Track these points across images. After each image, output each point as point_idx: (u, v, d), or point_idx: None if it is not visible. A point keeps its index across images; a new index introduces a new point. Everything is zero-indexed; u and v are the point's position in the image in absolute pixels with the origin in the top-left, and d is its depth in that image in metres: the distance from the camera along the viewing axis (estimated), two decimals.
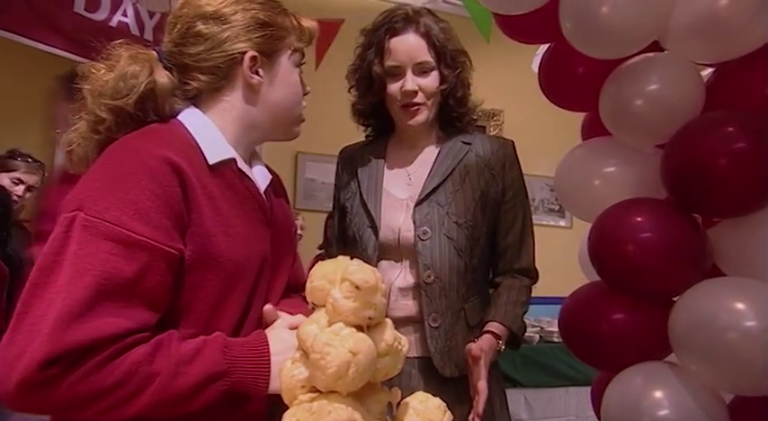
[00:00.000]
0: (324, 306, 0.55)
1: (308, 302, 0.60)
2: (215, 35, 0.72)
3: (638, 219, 0.98)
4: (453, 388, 1.02)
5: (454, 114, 1.15)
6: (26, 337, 0.55)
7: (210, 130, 0.72)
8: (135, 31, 2.43)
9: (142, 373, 0.59)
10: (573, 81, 1.16)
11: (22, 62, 2.36)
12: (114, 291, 0.58)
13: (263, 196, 0.77)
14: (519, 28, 1.19)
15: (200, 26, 0.72)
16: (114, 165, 0.62)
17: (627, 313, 1.02)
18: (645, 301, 1.01)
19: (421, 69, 1.08)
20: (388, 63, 1.09)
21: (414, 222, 1.07)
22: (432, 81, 1.09)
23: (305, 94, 0.82)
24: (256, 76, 0.74)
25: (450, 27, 1.14)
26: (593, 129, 1.21)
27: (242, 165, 0.74)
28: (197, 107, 0.74)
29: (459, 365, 1.04)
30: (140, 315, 0.60)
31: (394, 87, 1.09)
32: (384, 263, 1.09)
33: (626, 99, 1.02)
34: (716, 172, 0.90)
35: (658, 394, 0.93)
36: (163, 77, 0.71)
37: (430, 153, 1.15)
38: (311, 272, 0.58)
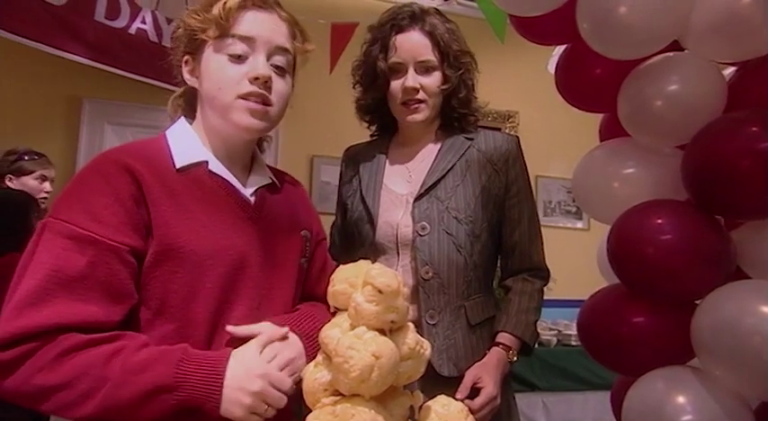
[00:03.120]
0: (346, 309, 0.55)
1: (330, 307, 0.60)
2: (174, 51, 0.83)
3: (659, 220, 0.96)
4: (453, 391, 0.98)
5: (455, 115, 1.14)
6: None
7: (186, 138, 0.78)
8: (153, 37, 2.47)
9: (93, 376, 0.61)
10: (590, 82, 1.15)
11: (45, 70, 2.41)
12: (66, 282, 0.63)
13: (243, 194, 0.79)
14: (535, 29, 1.18)
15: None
16: (79, 175, 0.71)
17: (647, 316, 1.00)
18: (666, 304, 1.00)
19: (423, 67, 1.08)
20: (392, 59, 1.09)
21: (413, 218, 1.06)
22: (434, 80, 1.09)
23: (256, 79, 0.75)
24: (192, 78, 0.80)
25: (458, 28, 1.14)
26: (611, 130, 1.20)
27: (214, 166, 0.77)
28: (190, 116, 0.83)
29: (458, 365, 1.02)
30: (99, 307, 0.64)
31: (396, 84, 1.10)
32: (381, 261, 1.08)
33: (645, 99, 1.01)
34: (739, 172, 0.88)
35: (681, 399, 0.92)
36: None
37: (431, 150, 1.15)
38: (332, 276, 0.58)
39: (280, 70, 0.78)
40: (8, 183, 1.92)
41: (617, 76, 1.07)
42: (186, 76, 0.80)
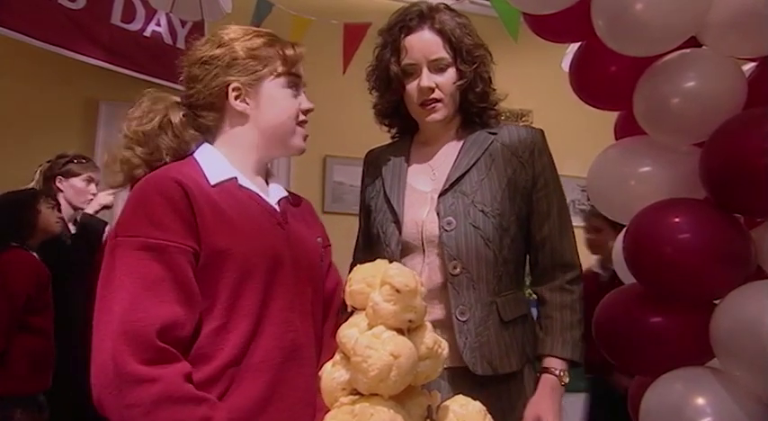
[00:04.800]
0: (363, 309, 0.55)
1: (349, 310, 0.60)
2: (204, 76, 0.86)
3: (677, 219, 0.95)
4: (487, 391, 0.95)
5: (474, 110, 1.12)
6: (101, 339, 0.68)
7: (215, 158, 0.86)
8: (168, 40, 2.50)
9: None
10: (605, 80, 1.14)
11: (62, 73, 2.45)
12: (151, 287, 0.69)
13: (270, 203, 0.87)
14: (549, 27, 1.18)
15: (195, 70, 0.87)
16: (136, 195, 0.78)
17: (665, 316, 0.99)
18: (684, 305, 0.99)
19: (437, 66, 1.06)
20: (405, 61, 1.08)
21: (438, 214, 1.04)
22: (448, 77, 1.07)
23: (308, 111, 0.90)
24: (242, 104, 0.86)
25: (469, 22, 1.12)
26: (626, 128, 1.18)
27: (243, 181, 0.85)
28: (210, 140, 0.89)
29: (492, 363, 0.99)
30: (180, 308, 0.70)
31: (411, 86, 1.08)
32: (407, 259, 1.06)
33: (662, 97, 1.00)
34: (759, 170, 0.87)
35: (700, 400, 0.91)
36: (176, 116, 0.87)
37: (454, 147, 1.13)
38: (350, 275, 0.59)
39: None
40: (57, 184, 2.04)
41: (633, 74, 1.06)
42: (234, 101, 0.86)
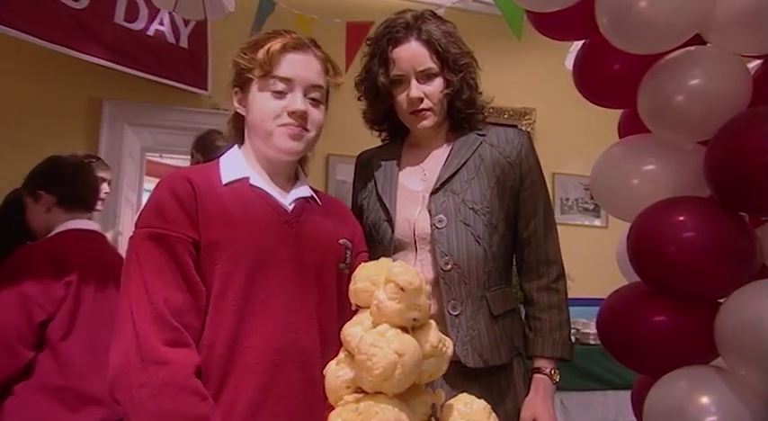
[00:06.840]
0: (367, 307, 0.55)
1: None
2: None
3: (681, 217, 0.95)
4: (478, 383, 1.01)
5: (462, 115, 1.16)
6: (123, 323, 0.74)
7: (234, 160, 0.93)
8: (171, 38, 2.51)
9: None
10: (609, 78, 1.14)
11: (65, 72, 2.46)
12: (158, 273, 0.76)
13: (282, 203, 0.91)
14: (552, 25, 1.17)
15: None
16: (152, 192, 0.86)
17: (669, 315, 0.99)
18: (688, 303, 0.98)
19: (424, 76, 1.10)
20: (393, 73, 1.11)
21: (429, 212, 1.08)
22: (436, 86, 1.11)
23: (291, 113, 0.89)
24: (240, 107, 0.95)
25: (455, 29, 1.15)
26: (630, 126, 1.18)
27: (255, 181, 0.91)
28: (239, 142, 0.97)
29: (483, 355, 1.03)
30: (182, 295, 0.76)
31: (401, 97, 1.12)
32: (399, 257, 1.09)
33: (667, 94, 0.99)
34: (763, 168, 0.86)
35: (705, 400, 0.90)
36: (230, 119, 0.99)
37: (444, 149, 1.17)
38: (354, 274, 0.59)
39: (315, 102, 0.93)
40: None
41: (636, 71, 1.05)
42: (236, 104, 0.95)
